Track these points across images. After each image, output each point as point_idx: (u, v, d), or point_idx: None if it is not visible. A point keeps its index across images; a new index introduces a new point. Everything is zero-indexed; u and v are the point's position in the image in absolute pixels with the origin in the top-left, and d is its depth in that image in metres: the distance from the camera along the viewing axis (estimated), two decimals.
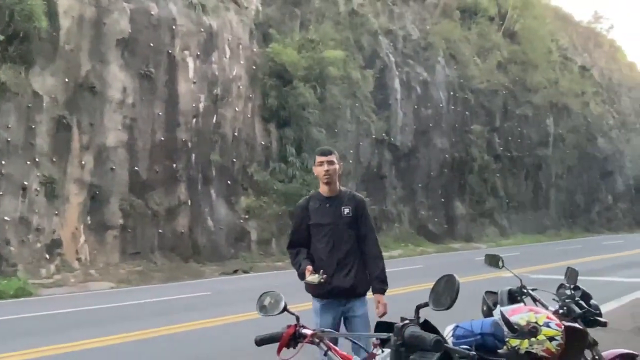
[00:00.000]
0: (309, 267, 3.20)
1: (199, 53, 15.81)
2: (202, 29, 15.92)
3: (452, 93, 25.78)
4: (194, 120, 15.63)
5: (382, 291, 3.37)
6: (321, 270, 3.16)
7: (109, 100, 13.57)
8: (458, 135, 25.68)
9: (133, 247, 13.57)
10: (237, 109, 17.00)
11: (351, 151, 20.46)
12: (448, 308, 1.51)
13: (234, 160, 16.73)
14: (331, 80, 19.25)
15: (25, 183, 11.95)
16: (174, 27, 15.13)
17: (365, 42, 22.69)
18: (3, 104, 11.83)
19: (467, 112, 26.63)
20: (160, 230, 14.27)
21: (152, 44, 14.54)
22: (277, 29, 18.97)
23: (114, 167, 13.50)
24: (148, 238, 13.98)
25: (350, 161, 20.30)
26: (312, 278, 3.11)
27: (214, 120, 16.23)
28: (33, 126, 12.25)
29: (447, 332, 2.53)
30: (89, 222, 13.00)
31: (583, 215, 34.50)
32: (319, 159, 3.40)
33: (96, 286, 11.67)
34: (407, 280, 9.95)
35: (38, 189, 12.21)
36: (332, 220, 3.37)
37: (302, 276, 3.25)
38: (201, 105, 15.81)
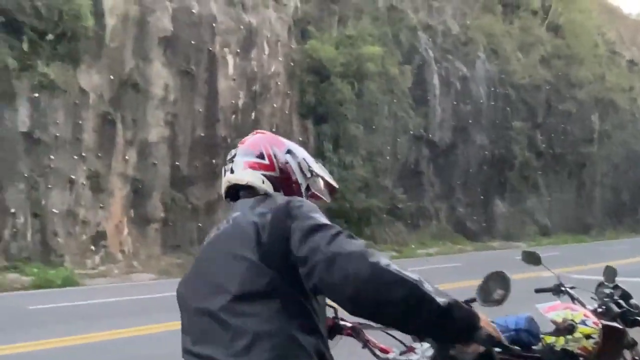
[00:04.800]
0: None
1: (238, 50, 16.05)
2: (241, 26, 16.15)
3: (492, 89, 25.23)
4: (233, 116, 15.89)
5: None
6: None
7: (151, 97, 13.95)
8: (498, 132, 25.14)
9: (173, 240, 13.93)
10: (275, 105, 17.17)
11: (388, 147, 20.35)
12: (500, 304, 1.51)
13: None
14: (369, 76, 19.18)
15: (73, 177, 12.45)
16: (214, 24, 15.40)
17: (404, 38, 22.48)
18: (52, 100, 12.34)
19: (507, 108, 26.01)
20: (199, 224, 14.60)
21: (193, 42, 14.85)
22: (315, 25, 19.04)
23: (156, 162, 13.88)
24: (188, 231, 14.33)
25: (387, 157, 20.19)
26: None
27: (253, 117, 16.45)
28: (80, 122, 12.74)
29: None
30: (132, 215, 13.43)
31: (629, 215, 33.20)
32: None
33: (138, 277, 12.06)
34: (445, 278, 9.88)
35: (84, 182, 12.70)
36: None
37: None
38: (240, 102, 16.06)
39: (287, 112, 17.72)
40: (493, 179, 24.61)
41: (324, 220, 1.32)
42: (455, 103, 23.56)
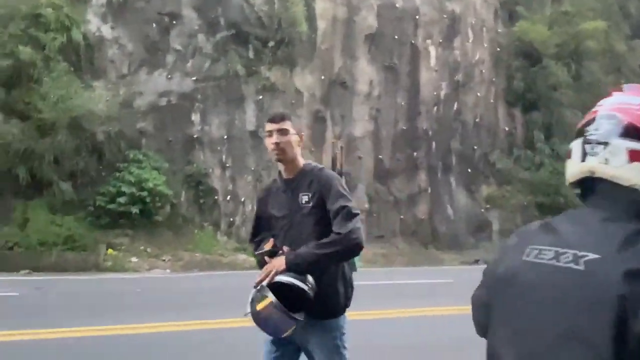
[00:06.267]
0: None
1: (441, 40, 15.78)
2: (444, 16, 15.82)
3: None
4: (435, 108, 15.71)
5: (289, 259, 2.29)
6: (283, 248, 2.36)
7: (357, 94, 14.59)
8: None
9: (377, 230, 14.43)
10: (478, 94, 16.46)
11: None
12: None
13: (475, 147, 16.29)
14: (589, 55, 17.12)
15: None
16: (417, 17, 15.38)
17: (634, 8, 19.46)
18: (273, 101, 13.76)
19: None
20: (401, 216, 14.85)
21: (396, 37, 15.06)
22: (524, 5, 17.64)
23: (361, 156, 14.51)
24: (391, 223, 14.70)
25: None
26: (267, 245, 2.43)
27: (455, 107, 16.03)
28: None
29: None
30: None
31: None
32: (267, 126, 2.45)
33: None
34: None
35: None
36: (287, 212, 2.46)
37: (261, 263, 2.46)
38: (442, 93, 15.79)
39: (492, 100, 16.84)
40: None
41: None
42: None
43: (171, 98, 13.00)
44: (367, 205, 14.42)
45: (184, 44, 13.18)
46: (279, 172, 2.49)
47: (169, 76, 13.00)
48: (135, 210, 11.60)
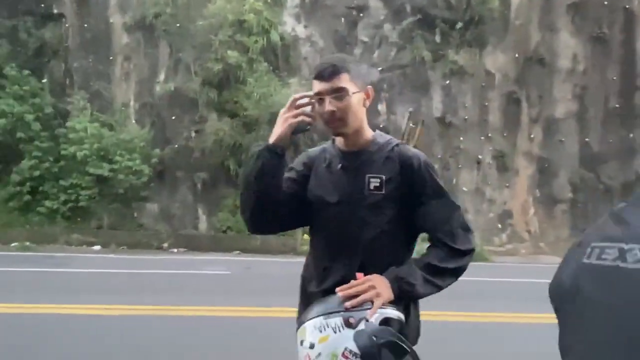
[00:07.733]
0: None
1: None
2: None
3: None
4: None
5: (404, 290, 1.54)
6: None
7: (558, 70, 13.16)
8: None
9: (584, 222, 12.87)
10: None
11: None
12: None
13: None
14: None
15: (480, 157, 13.03)
16: None
17: None
18: (461, 85, 13.17)
19: None
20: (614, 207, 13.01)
21: (605, 2, 13.18)
22: None
23: (562, 139, 13.08)
24: (601, 214, 12.93)
25: None
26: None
27: None
28: (486, 103, 13.17)
29: None
30: (538, 194, 13.09)
31: None
32: (314, 85, 1.63)
33: (546, 259, 11.67)
34: None
35: (490, 162, 13.11)
36: (345, 199, 1.65)
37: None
38: None
39: None
40: None
41: None
42: None
43: None
44: (570, 195, 12.99)
45: (370, 35, 13.35)
46: (333, 140, 1.75)
47: None
48: None
